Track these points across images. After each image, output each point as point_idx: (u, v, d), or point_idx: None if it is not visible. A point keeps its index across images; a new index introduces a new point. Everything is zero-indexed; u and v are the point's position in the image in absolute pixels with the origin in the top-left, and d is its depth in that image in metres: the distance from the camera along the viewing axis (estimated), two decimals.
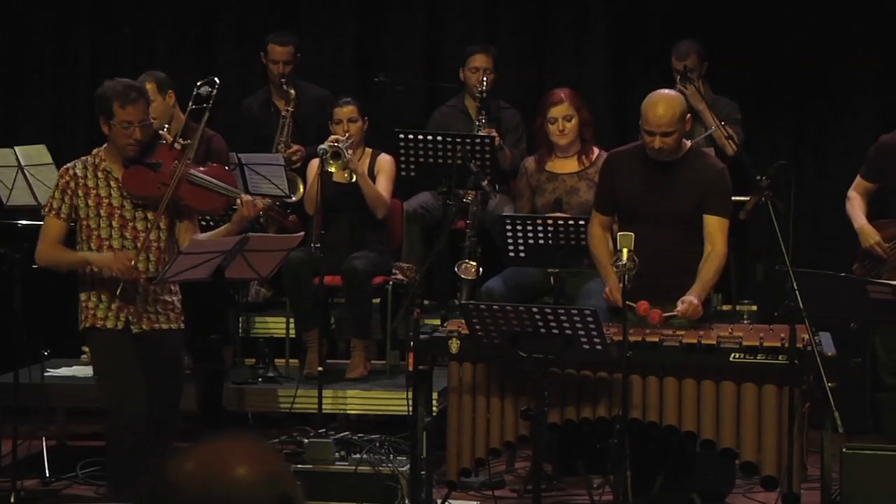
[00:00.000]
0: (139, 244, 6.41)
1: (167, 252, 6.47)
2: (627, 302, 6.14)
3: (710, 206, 6.72)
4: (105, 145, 6.46)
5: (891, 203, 7.63)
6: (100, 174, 6.42)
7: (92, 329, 6.44)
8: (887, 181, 7.61)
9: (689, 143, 6.88)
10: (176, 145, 6.88)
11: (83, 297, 6.45)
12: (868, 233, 7.54)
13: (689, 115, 6.81)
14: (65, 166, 6.50)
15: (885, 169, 7.61)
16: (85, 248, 6.41)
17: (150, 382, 6.47)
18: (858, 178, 7.69)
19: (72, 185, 6.39)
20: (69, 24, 9.98)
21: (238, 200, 6.72)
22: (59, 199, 6.40)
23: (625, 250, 6.14)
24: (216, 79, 7.26)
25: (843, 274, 7.30)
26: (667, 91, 6.91)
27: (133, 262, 6.32)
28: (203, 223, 7.05)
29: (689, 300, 6.49)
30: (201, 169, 6.81)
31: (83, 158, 6.48)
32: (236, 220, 6.74)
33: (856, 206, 7.65)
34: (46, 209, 6.45)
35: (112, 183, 6.42)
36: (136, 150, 6.39)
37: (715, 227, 6.71)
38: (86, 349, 7.32)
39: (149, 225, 6.45)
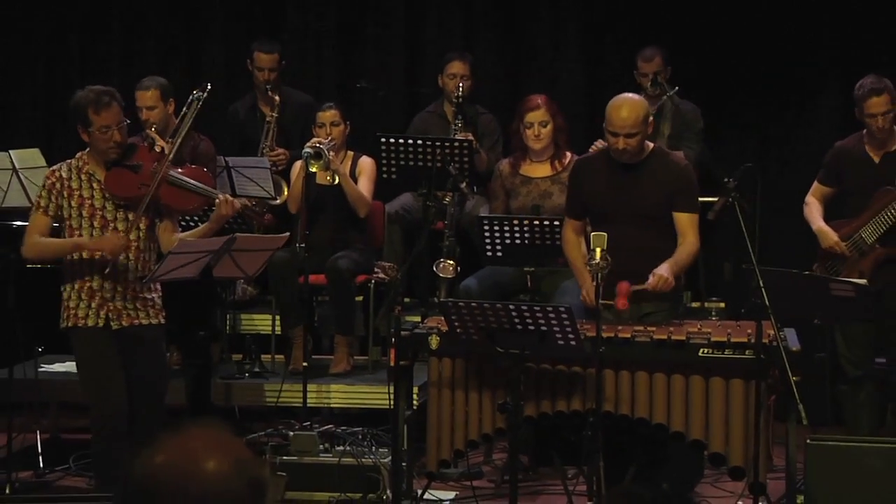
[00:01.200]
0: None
1: (146, 252, 6.48)
2: (605, 301, 6.15)
3: (678, 203, 6.74)
4: (87, 150, 6.45)
5: (847, 205, 7.64)
6: (83, 176, 6.41)
7: (73, 328, 6.41)
8: (843, 185, 7.64)
9: (651, 144, 6.89)
10: (163, 148, 6.90)
11: (65, 295, 6.44)
12: (826, 234, 7.56)
13: (651, 118, 6.83)
14: (51, 168, 6.50)
15: (841, 173, 7.63)
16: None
17: (133, 377, 6.47)
18: (816, 184, 7.71)
19: (57, 185, 6.38)
20: (60, 32, 9.97)
21: (216, 200, 6.71)
22: (45, 198, 6.39)
23: (598, 250, 6.15)
24: (209, 85, 7.29)
25: (806, 272, 7.33)
26: (630, 95, 6.92)
27: (120, 246, 6.33)
28: (182, 223, 7.03)
29: (660, 273, 6.50)
30: (179, 170, 6.80)
31: (68, 161, 6.47)
32: (214, 218, 6.75)
33: (813, 210, 7.67)
34: (34, 208, 6.45)
35: (94, 185, 6.41)
36: (118, 152, 6.40)
37: (686, 223, 6.74)
38: None
39: (129, 225, 6.43)
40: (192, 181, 6.80)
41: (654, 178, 6.74)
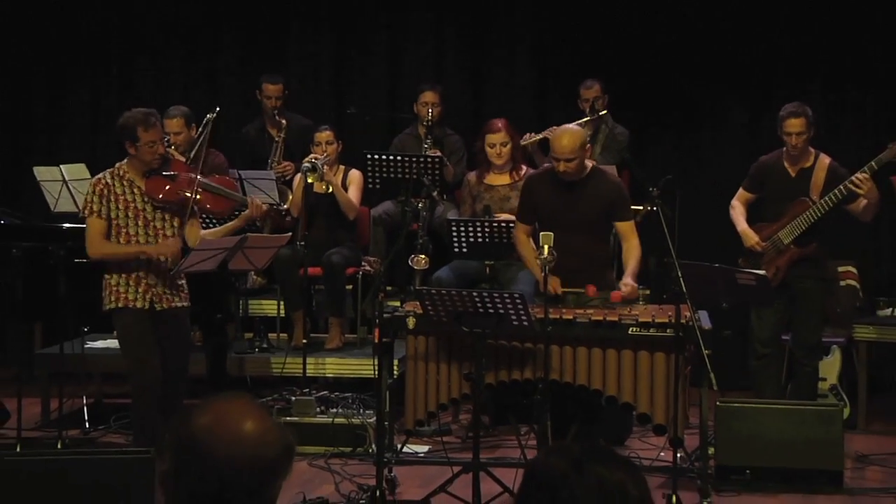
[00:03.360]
0: (159, 238, 6.41)
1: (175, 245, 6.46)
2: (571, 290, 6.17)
3: (617, 214, 6.79)
4: (126, 160, 6.43)
5: (766, 210, 7.64)
6: (125, 183, 6.39)
7: (122, 309, 6.38)
8: (764, 192, 7.63)
9: (590, 164, 6.92)
10: (190, 160, 6.92)
11: (112, 280, 6.40)
12: (749, 235, 7.53)
13: (588, 144, 6.85)
14: (97, 177, 6.46)
15: (763, 183, 7.61)
16: (114, 242, 6.38)
17: (167, 348, 6.48)
18: (741, 190, 7.66)
19: (105, 191, 6.37)
20: (102, 64, 9.94)
21: (248, 201, 6.76)
22: (97, 203, 6.36)
23: (546, 246, 6.18)
24: (218, 108, 7.35)
25: (717, 264, 7.35)
26: (571, 126, 6.97)
27: (174, 252, 6.35)
28: (205, 224, 7.03)
29: (630, 284, 6.58)
30: (213, 178, 6.86)
31: (110, 170, 6.44)
32: (243, 217, 6.82)
33: (738, 213, 7.65)
34: (86, 212, 6.40)
35: (135, 190, 6.39)
36: (159, 163, 6.40)
37: (627, 229, 6.81)
38: None
39: (165, 223, 6.43)
40: (223, 188, 6.85)
41: (594, 193, 6.77)
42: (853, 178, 7.19)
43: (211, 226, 7.14)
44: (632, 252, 6.79)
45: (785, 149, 7.46)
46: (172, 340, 6.50)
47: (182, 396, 6.56)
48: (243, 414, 2.19)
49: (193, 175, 6.54)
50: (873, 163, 7.24)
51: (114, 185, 6.39)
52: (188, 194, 6.46)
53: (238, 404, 2.22)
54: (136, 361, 6.43)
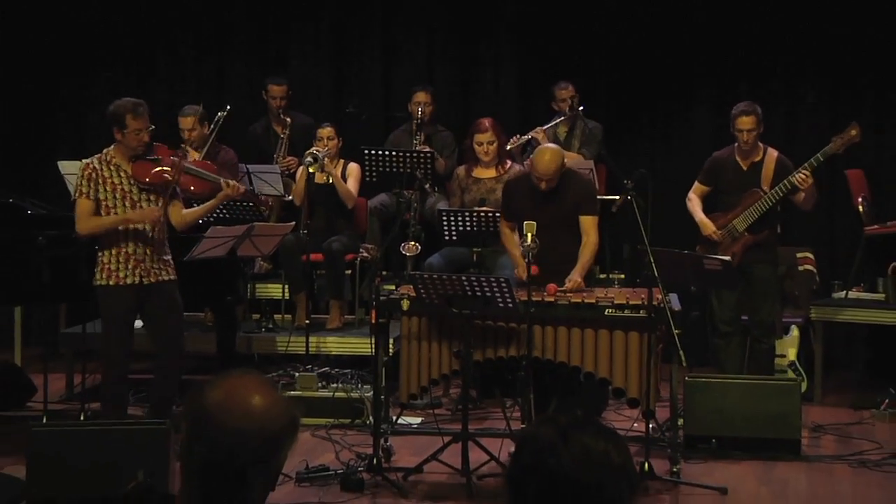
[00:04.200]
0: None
1: (163, 223, 6.40)
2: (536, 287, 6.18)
3: (583, 209, 6.78)
4: (112, 146, 6.37)
5: (720, 201, 7.67)
6: (112, 167, 6.33)
7: (112, 286, 6.32)
8: (717, 185, 7.67)
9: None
10: (183, 147, 6.92)
11: (104, 258, 6.34)
12: (706, 224, 7.57)
13: (564, 160, 6.84)
14: (85, 161, 6.38)
15: (717, 177, 7.66)
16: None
17: (159, 320, 6.45)
18: (696, 183, 7.72)
19: (94, 175, 6.30)
20: (121, 65, 9.94)
21: (223, 183, 6.69)
22: (86, 185, 6.29)
23: (529, 235, 6.20)
24: (229, 107, 7.36)
25: (686, 251, 7.37)
26: (552, 147, 6.91)
27: (156, 218, 6.29)
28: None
29: (574, 279, 6.56)
30: (191, 162, 6.88)
31: (97, 156, 6.38)
32: (220, 197, 6.68)
33: (695, 204, 7.70)
34: (77, 194, 6.33)
35: (122, 174, 6.33)
36: (144, 149, 6.35)
37: (588, 224, 6.78)
38: None
39: (151, 204, 6.36)
40: (202, 170, 6.85)
41: (566, 193, 6.77)
42: (796, 175, 7.29)
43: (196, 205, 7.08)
44: (587, 248, 6.76)
45: (736, 144, 7.51)
46: (163, 312, 6.44)
47: (178, 366, 6.53)
48: (252, 389, 2.19)
49: (176, 159, 6.51)
50: (819, 155, 7.34)
51: (101, 169, 6.32)
52: (171, 177, 6.42)
53: (248, 380, 2.22)
54: (112, 338, 6.39)
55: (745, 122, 7.40)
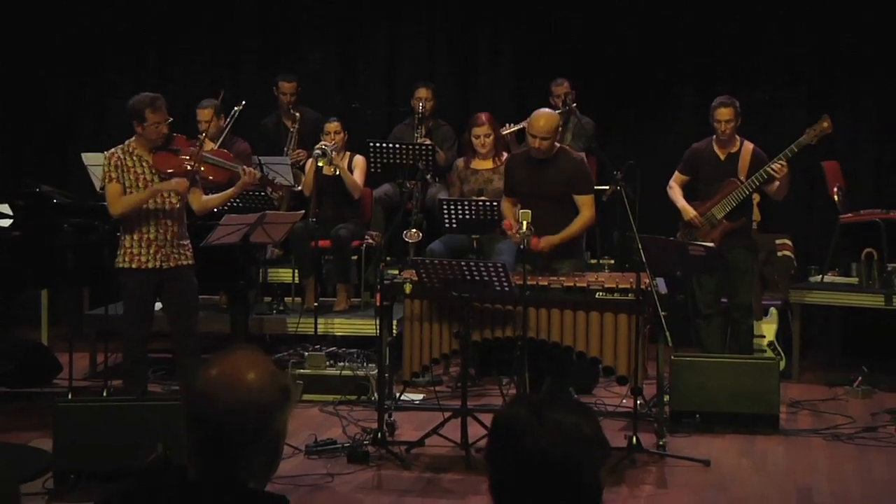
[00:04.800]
0: (167, 205, 6.30)
1: (183, 210, 6.40)
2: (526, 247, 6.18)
3: (577, 188, 6.77)
4: (133, 138, 6.32)
5: (698, 190, 7.65)
6: (135, 158, 6.28)
7: (134, 270, 6.27)
8: (696, 175, 7.66)
9: (559, 145, 6.91)
10: (200, 139, 6.92)
11: (127, 243, 6.29)
12: (688, 210, 7.57)
13: (559, 128, 6.86)
14: (109, 151, 6.33)
15: (696, 167, 7.64)
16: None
17: (176, 303, 6.41)
18: (676, 173, 7.70)
19: (119, 163, 6.25)
20: (141, 62, 9.94)
21: (241, 171, 6.71)
22: (114, 171, 6.24)
23: (524, 222, 6.20)
24: (244, 102, 7.34)
25: (671, 238, 7.38)
26: (547, 110, 6.95)
27: (186, 186, 6.28)
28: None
29: (548, 239, 6.56)
30: (212, 152, 6.88)
31: (120, 147, 6.32)
32: (239, 185, 6.71)
33: (676, 192, 7.69)
34: (105, 181, 6.27)
35: (144, 164, 6.28)
36: (162, 141, 6.32)
37: (582, 202, 6.78)
38: None
39: (171, 191, 6.32)
40: (220, 159, 6.85)
41: (560, 169, 6.76)
42: (772, 165, 7.29)
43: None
44: (578, 220, 6.75)
45: (715, 136, 7.52)
46: (181, 297, 6.41)
47: (194, 348, 6.48)
48: (244, 366, 2.18)
49: (195, 149, 6.51)
50: (794, 146, 7.34)
51: (125, 158, 6.28)
52: (191, 166, 6.41)
53: (239, 357, 2.21)
54: (133, 318, 6.34)
55: (724, 114, 7.41)
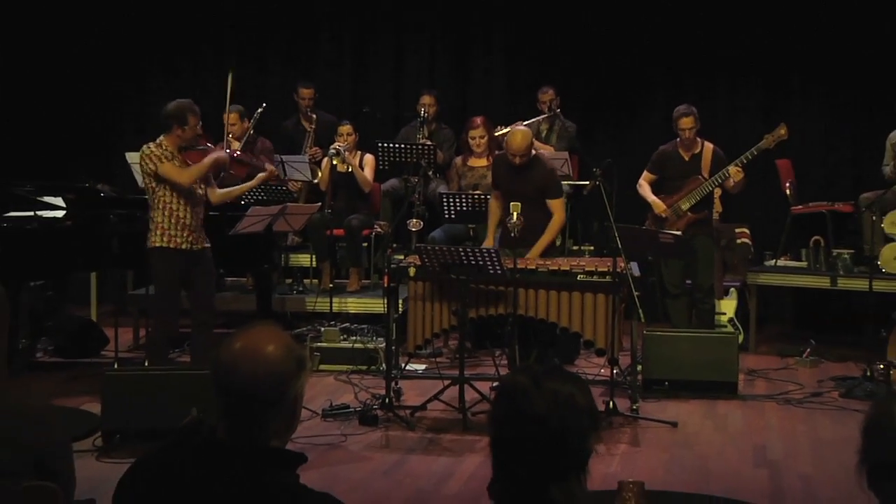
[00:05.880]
0: (196, 195, 6.19)
1: (205, 199, 6.32)
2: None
3: (548, 194, 6.78)
4: (164, 137, 6.16)
5: (665, 187, 7.64)
6: (168, 154, 6.13)
7: (167, 249, 6.12)
8: (663, 174, 7.65)
9: (534, 151, 6.90)
10: (229, 140, 6.97)
11: (164, 223, 6.11)
12: (658, 204, 7.56)
13: (533, 141, 6.86)
14: (146, 146, 6.14)
15: (663, 167, 7.64)
16: (167, 196, 6.11)
17: (202, 281, 6.32)
18: (645, 172, 7.70)
19: (159, 152, 6.11)
20: (175, 70, 9.93)
21: (265, 166, 6.77)
22: (160, 155, 6.08)
23: (515, 213, 6.22)
24: (265, 104, 7.37)
25: (643, 227, 7.38)
26: (521, 128, 6.93)
27: (226, 158, 6.29)
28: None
29: (529, 259, 6.50)
30: (236, 152, 6.96)
31: (153, 143, 6.16)
32: (258, 178, 6.75)
33: (646, 189, 7.67)
34: (158, 164, 6.05)
35: (175, 161, 6.14)
36: (196, 140, 6.28)
37: (554, 205, 6.79)
38: None
39: (200, 184, 6.23)
40: (246, 159, 6.91)
41: (533, 175, 6.77)
42: (729, 169, 7.31)
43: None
44: (552, 227, 6.74)
45: (679, 139, 7.52)
46: (204, 275, 6.32)
47: (212, 323, 6.39)
48: (265, 339, 2.17)
49: (221, 148, 6.52)
50: (754, 150, 7.35)
51: (161, 154, 6.14)
52: (220, 162, 6.38)
53: (261, 331, 2.20)
54: (165, 295, 6.21)
55: (686, 122, 7.43)
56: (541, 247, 6.70)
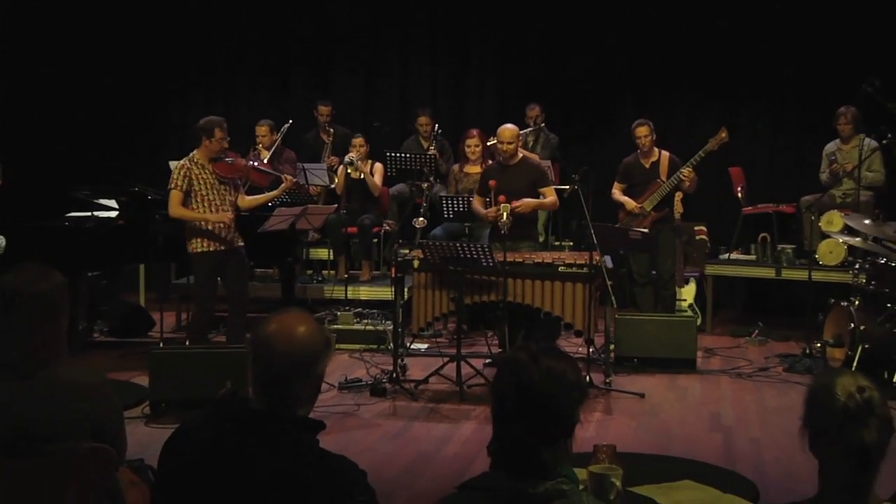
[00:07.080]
0: (226, 200, 6.20)
1: (233, 205, 6.32)
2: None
3: (540, 183, 6.74)
4: (196, 150, 6.20)
5: (631, 192, 7.58)
6: (199, 166, 6.16)
7: (206, 253, 6.16)
8: (630, 181, 7.62)
9: (521, 153, 6.88)
10: (255, 151, 6.95)
11: (209, 228, 6.14)
12: (629, 203, 7.55)
13: (520, 137, 6.84)
14: (180, 162, 6.20)
15: (628, 175, 7.62)
16: (200, 207, 6.13)
17: (236, 275, 6.31)
18: (616, 183, 7.67)
19: (188, 173, 6.13)
20: (211, 87, 9.93)
21: (283, 177, 6.71)
22: (181, 180, 6.11)
23: (505, 213, 6.20)
24: (291, 121, 7.33)
25: (616, 225, 7.37)
26: (509, 124, 6.89)
27: (229, 220, 6.16)
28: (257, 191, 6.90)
29: (524, 201, 6.49)
30: (257, 163, 6.97)
31: (187, 158, 6.18)
32: (281, 188, 6.70)
33: (619, 194, 7.64)
34: (172, 185, 6.13)
35: (206, 171, 6.18)
36: (224, 153, 6.25)
37: (547, 192, 6.74)
38: None
39: (228, 191, 6.23)
40: (265, 169, 6.87)
41: (524, 172, 6.74)
42: (681, 172, 7.30)
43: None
44: (545, 201, 6.70)
45: (638, 150, 7.50)
46: (238, 271, 6.32)
47: (245, 309, 6.37)
48: (296, 322, 2.18)
49: (244, 162, 6.50)
50: (701, 153, 7.32)
51: (192, 167, 6.16)
52: (241, 173, 6.41)
53: (293, 315, 2.20)
54: (203, 288, 6.24)
55: (641, 131, 7.45)
56: (530, 204, 6.60)
